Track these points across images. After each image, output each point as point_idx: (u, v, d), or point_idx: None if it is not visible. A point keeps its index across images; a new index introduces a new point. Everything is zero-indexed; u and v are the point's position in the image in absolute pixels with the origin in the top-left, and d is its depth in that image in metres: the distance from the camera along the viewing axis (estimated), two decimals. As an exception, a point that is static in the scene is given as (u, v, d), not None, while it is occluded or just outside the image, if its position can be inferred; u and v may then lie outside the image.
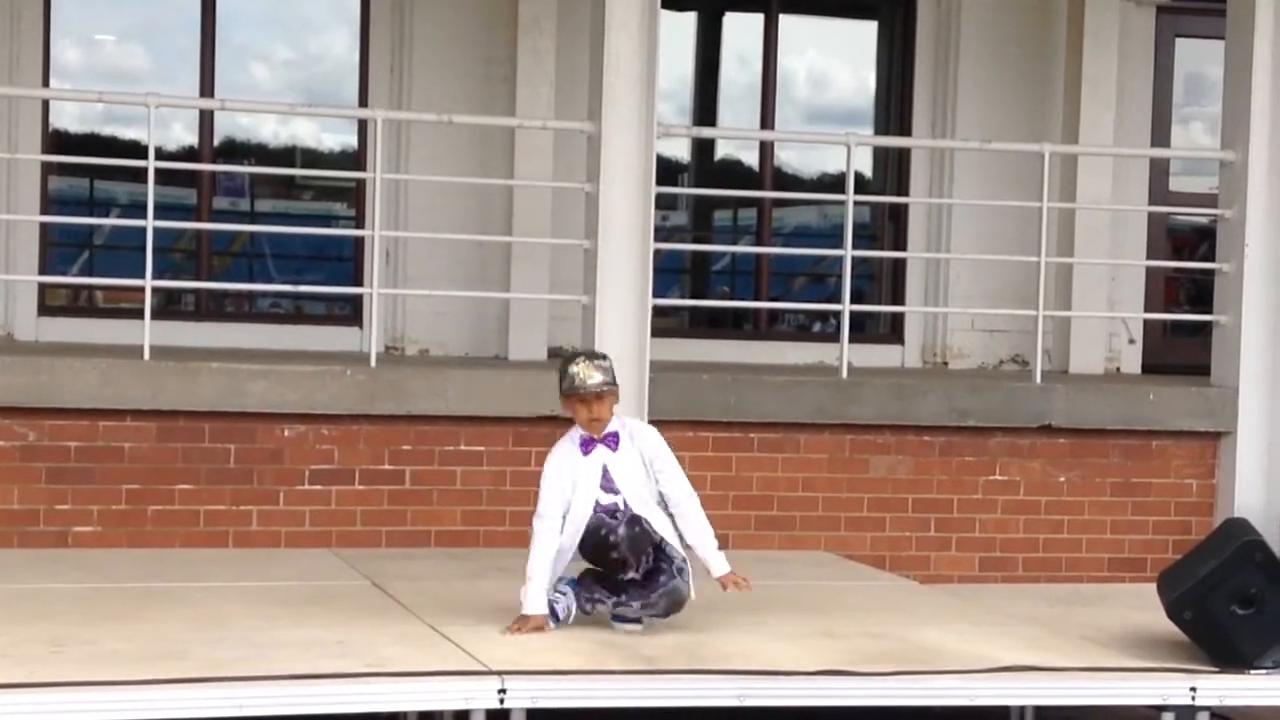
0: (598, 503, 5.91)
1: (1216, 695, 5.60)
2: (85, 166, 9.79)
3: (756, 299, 10.66)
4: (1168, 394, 9.17)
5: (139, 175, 8.41)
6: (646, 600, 5.87)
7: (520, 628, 5.80)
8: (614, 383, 5.95)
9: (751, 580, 5.97)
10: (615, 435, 5.97)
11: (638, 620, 5.90)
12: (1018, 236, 9.93)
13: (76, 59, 9.93)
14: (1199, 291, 10.98)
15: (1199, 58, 11.08)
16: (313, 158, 10.48)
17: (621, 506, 5.90)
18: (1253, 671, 5.66)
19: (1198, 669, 5.66)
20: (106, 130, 10.06)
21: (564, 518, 5.90)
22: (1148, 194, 10.81)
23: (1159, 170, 10.91)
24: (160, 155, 8.55)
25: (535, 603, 5.84)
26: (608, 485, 5.93)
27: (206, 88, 9.70)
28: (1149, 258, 10.81)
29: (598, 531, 5.84)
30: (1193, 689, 5.55)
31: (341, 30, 10.17)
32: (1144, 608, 6.25)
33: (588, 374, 5.89)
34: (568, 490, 5.92)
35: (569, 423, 5.99)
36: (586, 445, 5.96)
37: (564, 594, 5.94)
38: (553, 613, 5.88)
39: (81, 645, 5.38)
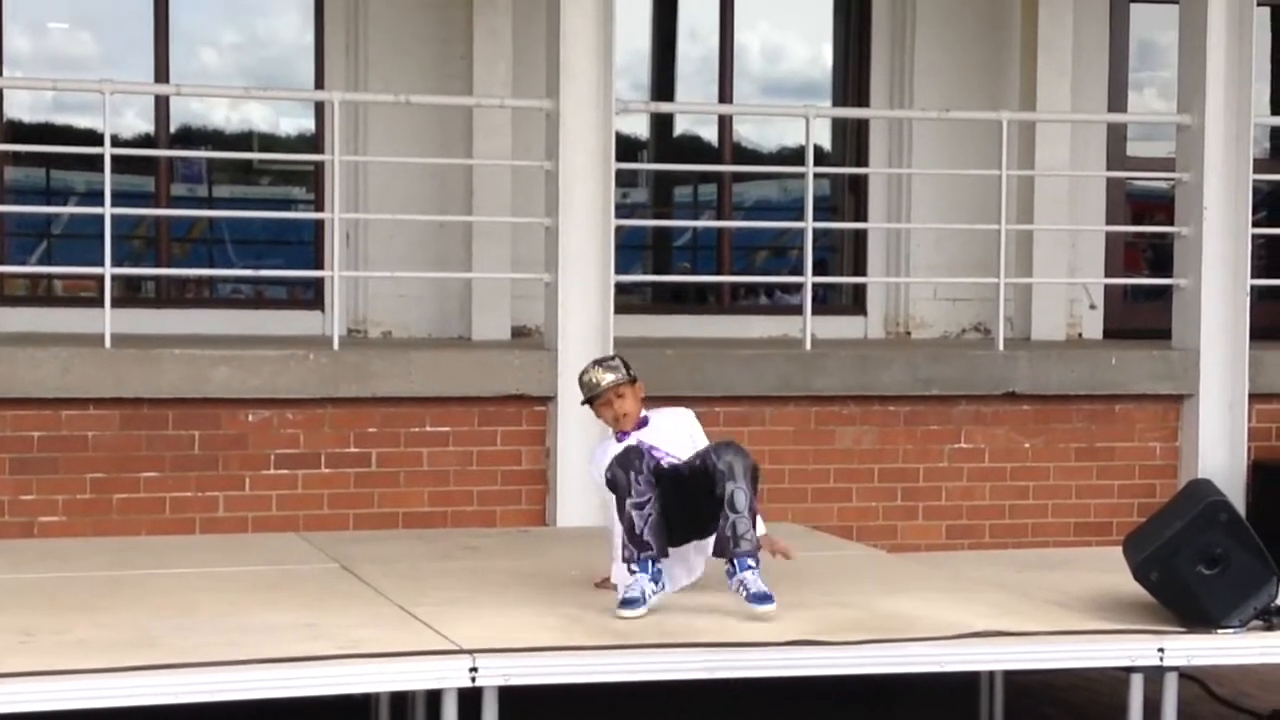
0: None
1: (1184, 655, 5.63)
2: (41, 155, 9.73)
3: (719, 274, 10.67)
4: (1130, 358, 9.22)
5: (95, 164, 8.37)
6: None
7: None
8: (628, 378, 6.03)
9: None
10: (645, 419, 6.05)
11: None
12: (978, 205, 9.95)
13: (28, 47, 9.85)
14: (1159, 256, 11.04)
15: (1151, 23, 11.12)
16: (270, 142, 10.44)
17: (663, 460, 5.88)
18: (1220, 631, 5.69)
19: (1165, 630, 5.69)
20: (61, 119, 10.00)
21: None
22: (1106, 159, 10.85)
23: (1116, 136, 10.94)
24: (116, 143, 8.50)
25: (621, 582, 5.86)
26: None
27: (161, 73, 9.64)
28: (1108, 223, 10.85)
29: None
30: (1161, 650, 5.58)
31: (294, 13, 10.12)
32: (1110, 570, 6.28)
33: (598, 377, 6.02)
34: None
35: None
36: (620, 435, 6.01)
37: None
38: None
39: (51, 635, 5.35)
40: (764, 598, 5.66)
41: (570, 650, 5.32)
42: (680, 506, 5.77)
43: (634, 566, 5.74)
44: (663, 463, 5.83)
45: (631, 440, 5.93)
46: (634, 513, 5.71)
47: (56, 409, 7.85)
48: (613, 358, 6.18)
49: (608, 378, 6.01)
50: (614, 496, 5.79)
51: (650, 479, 5.73)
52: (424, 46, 9.78)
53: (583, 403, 6.13)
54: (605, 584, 6.05)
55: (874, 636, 5.53)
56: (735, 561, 5.69)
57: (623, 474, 5.73)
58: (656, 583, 5.74)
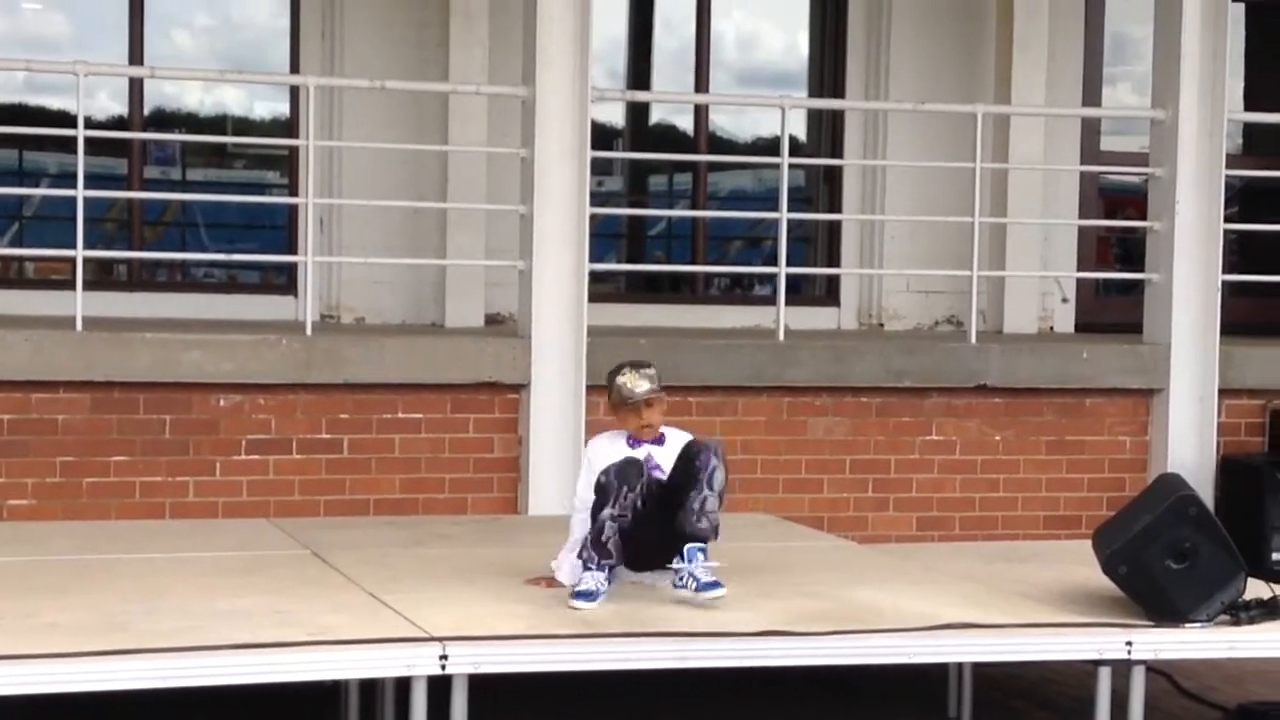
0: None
1: (1152, 649, 5.66)
2: (13, 137, 9.68)
3: (693, 263, 10.68)
4: (1101, 352, 9.26)
5: (68, 145, 8.33)
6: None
7: (544, 583, 5.85)
8: (661, 390, 5.83)
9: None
10: (662, 436, 5.86)
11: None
12: (952, 197, 9.97)
13: (1, 27, 9.80)
14: (1128, 250, 11.07)
15: (1126, 17, 11.15)
16: (244, 126, 10.41)
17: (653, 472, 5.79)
18: (1188, 625, 5.71)
19: (1133, 623, 5.71)
20: (34, 100, 9.95)
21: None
22: (1079, 153, 10.87)
23: (1090, 130, 10.97)
24: (89, 125, 8.47)
25: (566, 574, 5.81)
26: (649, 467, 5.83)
27: (135, 56, 9.61)
28: (1081, 217, 10.88)
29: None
30: (1128, 643, 5.60)
31: (270, -4, 10.10)
32: (1079, 564, 6.30)
33: (634, 383, 5.78)
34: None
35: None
36: (633, 441, 5.84)
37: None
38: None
39: (19, 618, 5.33)
40: (713, 585, 5.58)
41: (541, 639, 5.32)
42: (656, 533, 5.66)
43: (590, 565, 5.68)
44: (653, 474, 5.72)
45: (641, 453, 5.78)
46: (608, 523, 5.64)
47: (26, 391, 7.82)
48: (648, 364, 5.87)
49: (643, 386, 5.77)
50: (595, 497, 5.73)
51: (637, 501, 5.64)
52: (400, 32, 9.76)
53: (611, 406, 5.87)
54: (539, 582, 5.91)
55: (843, 627, 5.54)
56: (685, 552, 5.58)
57: (615, 484, 5.63)
58: (608, 584, 5.69)
